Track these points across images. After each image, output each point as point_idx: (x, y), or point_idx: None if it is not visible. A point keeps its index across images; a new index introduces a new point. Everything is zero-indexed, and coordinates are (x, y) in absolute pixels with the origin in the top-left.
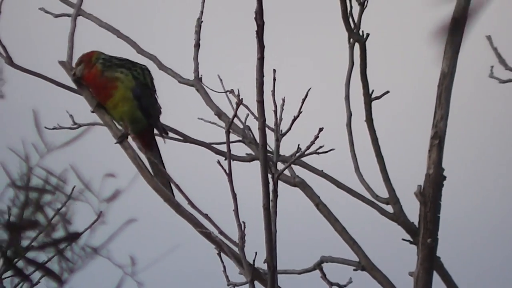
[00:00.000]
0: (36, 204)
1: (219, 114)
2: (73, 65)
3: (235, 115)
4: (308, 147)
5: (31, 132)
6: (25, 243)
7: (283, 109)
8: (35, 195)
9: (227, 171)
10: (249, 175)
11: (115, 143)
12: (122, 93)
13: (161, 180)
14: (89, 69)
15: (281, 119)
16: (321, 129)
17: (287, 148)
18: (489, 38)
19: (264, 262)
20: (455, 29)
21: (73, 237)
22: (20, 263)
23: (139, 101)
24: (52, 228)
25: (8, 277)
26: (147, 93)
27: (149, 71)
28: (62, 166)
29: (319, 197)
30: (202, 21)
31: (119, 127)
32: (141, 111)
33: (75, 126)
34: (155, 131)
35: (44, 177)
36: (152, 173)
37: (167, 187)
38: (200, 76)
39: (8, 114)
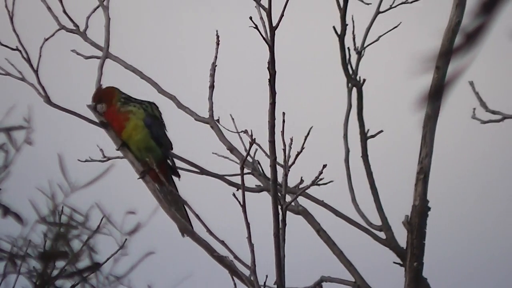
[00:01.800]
0: (64, 237)
1: (231, 149)
2: (91, 98)
3: (248, 153)
4: (313, 182)
5: (57, 174)
6: (54, 272)
7: (291, 148)
8: (62, 230)
9: (241, 202)
10: (258, 204)
11: (138, 179)
12: (134, 122)
13: (179, 213)
14: (109, 107)
15: (289, 157)
16: (324, 166)
17: (290, 178)
18: (471, 83)
19: (274, 284)
20: (434, 97)
21: (95, 266)
22: None
23: (151, 130)
24: (78, 259)
25: None
26: (156, 123)
27: (156, 105)
28: (87, 202)
29: (319, 224)
30: (216, 65)
31: (139, 166)
32: (153, 140)
33: (104, 159)
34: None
35: (69, 214)
36: (169, 204)
37: (185, 218)
38: (218, 118)
39: (36, 158)
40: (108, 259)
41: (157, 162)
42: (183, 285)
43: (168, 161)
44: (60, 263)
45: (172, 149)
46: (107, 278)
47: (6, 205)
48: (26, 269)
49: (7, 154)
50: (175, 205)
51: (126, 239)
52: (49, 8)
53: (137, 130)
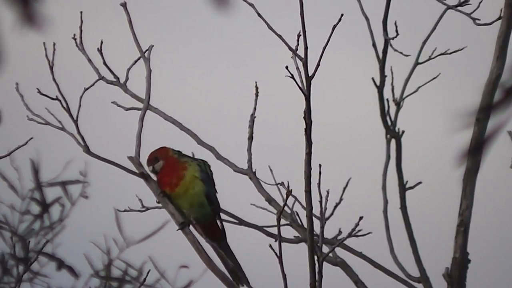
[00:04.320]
0: None
1: (270, 200)
2: (146, 161)
3: (285, 204)
4: (350, 234)
5: (113, 228)
6: None
7: (327, 200)
8: (115, 285)
9: (278, 254)
10: (296, 255)
11: (177, 230)
12: (191, 174)
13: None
14: (167, 160)
15: (326, 209)
16: (361, 218)
17: (329, 229)
18: (510, 133)
19: None
20: (474, 153)
21: None
22: None
23: (205, 185)
24: None
25: None
26: (209, 181)
27: (209, 164)
28: (142, 256)
29: (357, 275)
30: (255, 117)
31: (180, 217)
32: (205, 197)
33: (143, 209)
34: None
35: (123, 269)
36: (223, 263)
37: (234, 274)
38: (255, 170)
39: (92, 212)
40: None
41: (206, 220)
42: None
43: (218, 221)
44: None
45: (220, 209)
46: None
47: (61, 258)
48: None
49: (63, 208)
50: (232, 261)
51: None
52: (89, 60)
53: (194, 182)
